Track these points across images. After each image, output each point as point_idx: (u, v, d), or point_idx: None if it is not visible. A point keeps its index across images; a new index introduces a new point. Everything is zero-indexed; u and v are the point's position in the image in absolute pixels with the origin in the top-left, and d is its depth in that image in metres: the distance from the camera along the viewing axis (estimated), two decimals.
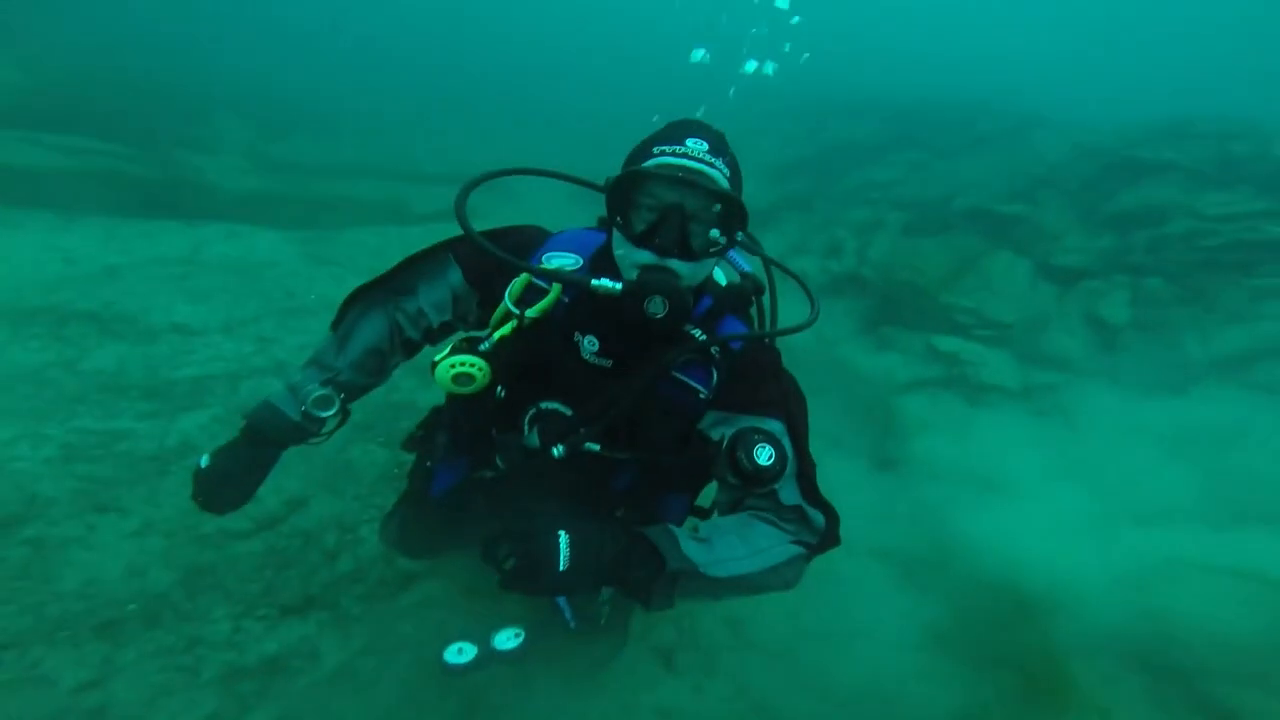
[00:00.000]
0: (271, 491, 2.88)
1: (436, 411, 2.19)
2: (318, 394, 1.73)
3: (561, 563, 1.30)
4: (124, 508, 2.63)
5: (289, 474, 3.03)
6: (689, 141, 1.46)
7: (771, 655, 2.90)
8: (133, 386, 3.36)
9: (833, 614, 3.08)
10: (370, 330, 1.84)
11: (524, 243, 1.72)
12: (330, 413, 1.75)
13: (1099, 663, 2.90)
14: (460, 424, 1.98)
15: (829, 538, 1.57)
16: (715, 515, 1.72)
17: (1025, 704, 2.73)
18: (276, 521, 2.90)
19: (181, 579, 2.48)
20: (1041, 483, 4.27)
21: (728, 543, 1.49)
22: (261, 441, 1.77)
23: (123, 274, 4.58)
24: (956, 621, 3.10)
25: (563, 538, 1.32)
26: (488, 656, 1.86)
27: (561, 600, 2.16)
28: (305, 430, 1.76)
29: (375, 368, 1.87)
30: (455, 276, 1.78)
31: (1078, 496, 4.07)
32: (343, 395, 1.78)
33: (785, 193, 9.18)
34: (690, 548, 1.43)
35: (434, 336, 1.91)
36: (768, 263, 1.87)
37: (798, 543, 1.55)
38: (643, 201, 1.45)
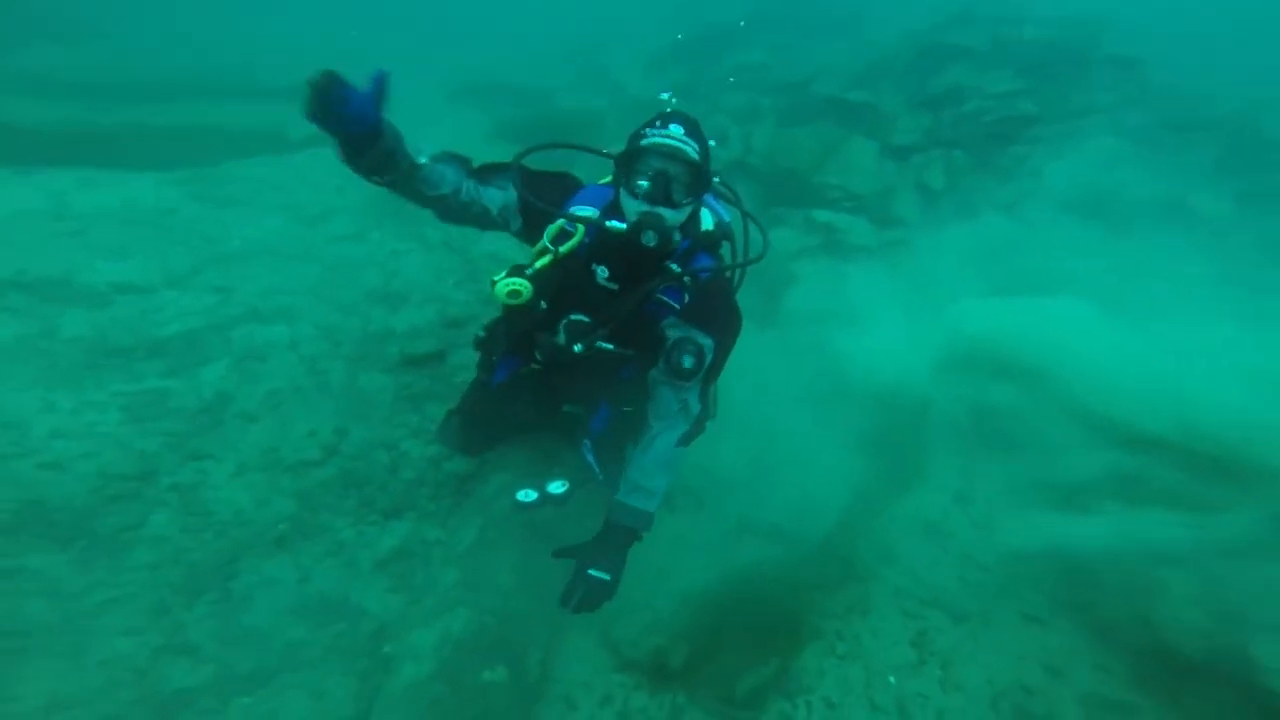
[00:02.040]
0: (317, 431, 3.24)
1: (495, 321, 2.73)
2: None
3: (610, 587, 2.13)
4: (213, 454, 2.85)
5: (318, 415, 3.35)
6: (672, 126, 2.12)
7: (738, 487, 3.75)
8: (131, 349, 3.36)
9: (777, 448, 3.97)
10: (451, 174, 2.25)
11: (563, 190, 2.31)
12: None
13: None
14: (513, 328, 2.51)
15: (699, 428, 2.45)
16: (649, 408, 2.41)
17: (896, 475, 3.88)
18: (334, 452, 3.22)
19: (297, 503, 2.80)
20: (892, 307, 5.55)
21: (655, 478, 2.29)
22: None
23: None
24: (857, 426, 4.15)
25: (599, 573, 2.13)
26: (544, 499, 2.53)
27: (591, 458, 2.78)
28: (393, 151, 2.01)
29: (436, 184, 2.20)
30: (512, 197, 2.29)
31: (915, 301, 5.53)
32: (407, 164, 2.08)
33: (668, 82, 9.69)
34: (641, 502, 2.25)
35: (476, 219, 2.34)
36: (745, 213, 2.54)
37: (680, 427, 2.35)
38: (639, 168, 2.10)
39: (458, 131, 8.29)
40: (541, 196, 2.22)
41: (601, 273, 2.25)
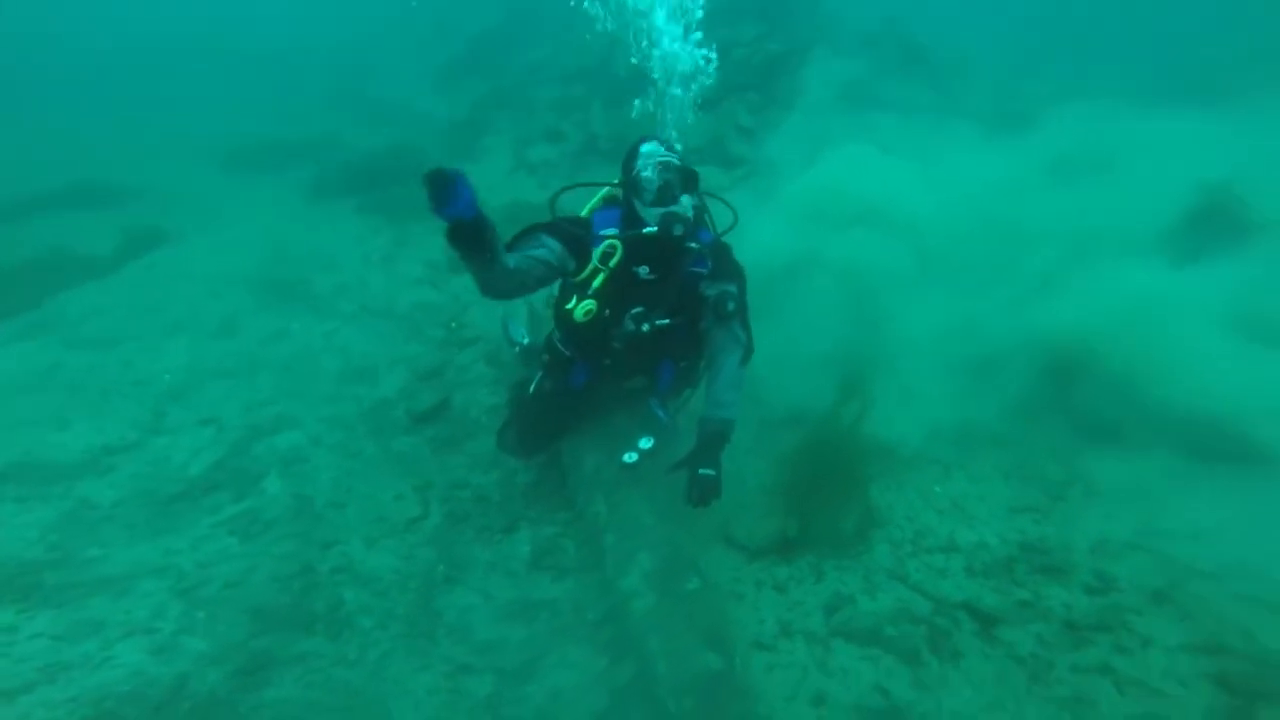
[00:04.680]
0: (401, 494, 3.60)
1: (551, 343, 3.31)
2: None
3: (717, 481, 2.81)
4: (339, 540, 3.27)
5: (386, 482, 3.67)
6: (652, 145, 2.90)
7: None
8: (182, 494, 3.46)
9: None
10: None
11: (584, 225, 2.99)
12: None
13: None
14: (587, 337, 3.08)
15: (750, 349, 3.09)
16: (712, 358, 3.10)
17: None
18: (427, 504, 3.59)
19: (433, 549, 3.25)
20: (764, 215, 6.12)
21: (729, 394, 2.99)
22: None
23: None
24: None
25: (707, 470, 2.80)
26: (642, 456, 3.10)
27: (660, 411, 3.35)
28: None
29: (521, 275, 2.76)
30: (557, 246, 2.89)
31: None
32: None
33: (470, 98, 9.91)
34: (724, 413, 2.95)
35: (539, 280, 2.88)
36: (705, 194, 3.19)
37: (738, 353, 3.05)
38: (644, 184, 2.80)
39: (274, 197, 8.01)
40: (577, 237, 2.88)
41: (643, 271, 2.92)
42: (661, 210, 2.77)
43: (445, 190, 2.18)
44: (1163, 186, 5.40)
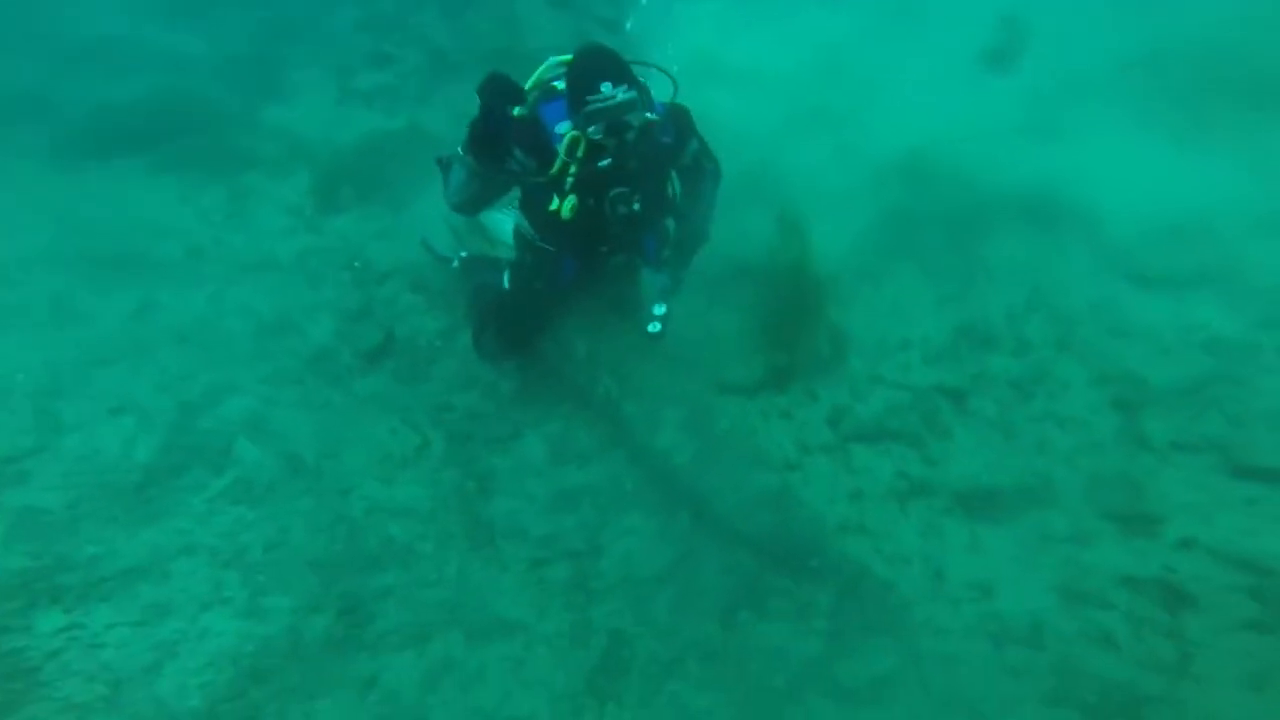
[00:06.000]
0: (395, 429, 3.44)
1: (535, 241, 3.20)
2: None
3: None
4: (356, 486, 3.12)
5: (375, 425, 3.44)
6: (610, 87, 2.71)
7: None
8: (148, 482, 3.01)
9: None
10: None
11: (534, 124, 2.82)
12: None
13: None
14: (576, 229, 2.98)
15: (720, 174, 3.29)
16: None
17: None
18: (424, 434, 3.41)
19: (459, 471, 3.20)
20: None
21: (708, 215, 3.24)
22: None
23: None
24: None
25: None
26: (660, 324, 3.15)
27: (652, 275, 3.43)
28: None
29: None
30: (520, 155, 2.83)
31: None
32: None
33: (233, 30, 8.42)
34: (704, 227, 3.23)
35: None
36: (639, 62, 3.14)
37: (711, 180, 3.26)
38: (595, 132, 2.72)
39: None
40: (535, 136, 2.78)
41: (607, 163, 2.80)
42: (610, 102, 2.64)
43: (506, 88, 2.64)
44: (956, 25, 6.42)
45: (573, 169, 2.75)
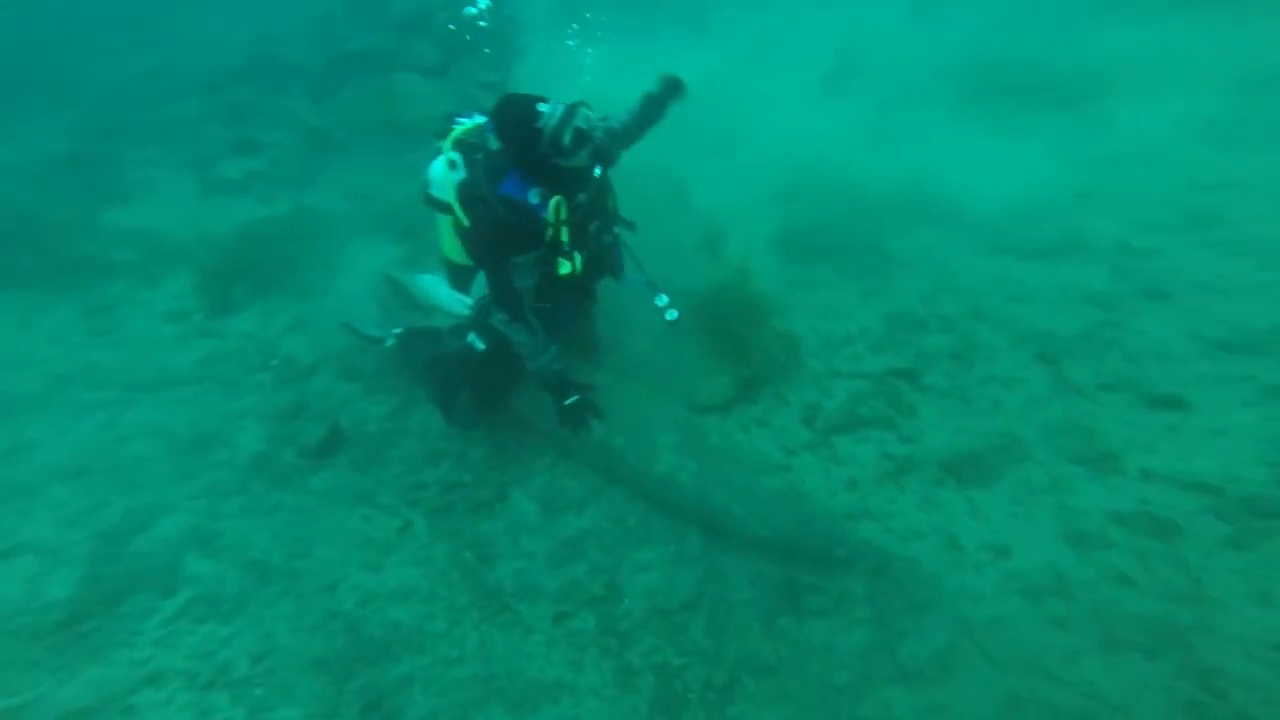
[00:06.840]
0: (368, 519, 3.17)
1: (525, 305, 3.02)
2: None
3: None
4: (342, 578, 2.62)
5: (346, 523, 3.14)
6: (556, 105, 2.76)
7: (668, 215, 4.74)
8: (108, 603, 2.43)
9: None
10: None
11: (511, 216, 2.77)
12: None
13: None
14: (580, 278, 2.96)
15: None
16: None
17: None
18: (416, 500, 3.12)
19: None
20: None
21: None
22: None
23: None
24: None
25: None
26: (676, 310, 3.16)
27: (636, 280, 3.33)
28: None
29: None
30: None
31: None
32: None
33: (48, 130, 7.72)
34: None
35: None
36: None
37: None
38: (568, 146, 2.70)
39: None
40: (520, 233, 2.75)
41: (581, 198, 2.83)
42: (587, 149, 2.69)
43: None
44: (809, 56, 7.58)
45: (565, 230, 2.74)
